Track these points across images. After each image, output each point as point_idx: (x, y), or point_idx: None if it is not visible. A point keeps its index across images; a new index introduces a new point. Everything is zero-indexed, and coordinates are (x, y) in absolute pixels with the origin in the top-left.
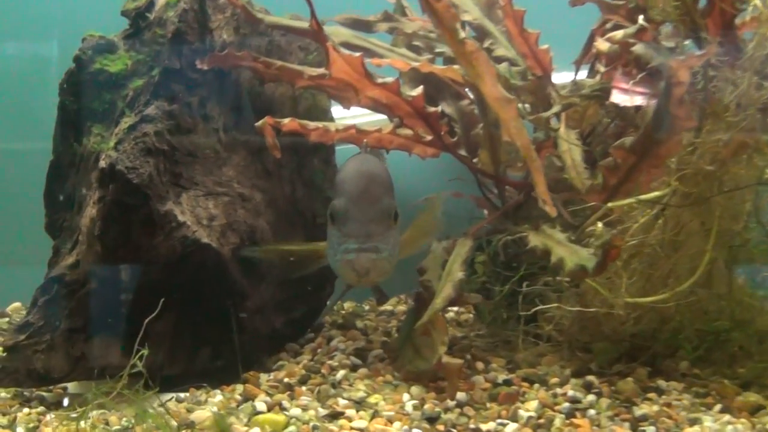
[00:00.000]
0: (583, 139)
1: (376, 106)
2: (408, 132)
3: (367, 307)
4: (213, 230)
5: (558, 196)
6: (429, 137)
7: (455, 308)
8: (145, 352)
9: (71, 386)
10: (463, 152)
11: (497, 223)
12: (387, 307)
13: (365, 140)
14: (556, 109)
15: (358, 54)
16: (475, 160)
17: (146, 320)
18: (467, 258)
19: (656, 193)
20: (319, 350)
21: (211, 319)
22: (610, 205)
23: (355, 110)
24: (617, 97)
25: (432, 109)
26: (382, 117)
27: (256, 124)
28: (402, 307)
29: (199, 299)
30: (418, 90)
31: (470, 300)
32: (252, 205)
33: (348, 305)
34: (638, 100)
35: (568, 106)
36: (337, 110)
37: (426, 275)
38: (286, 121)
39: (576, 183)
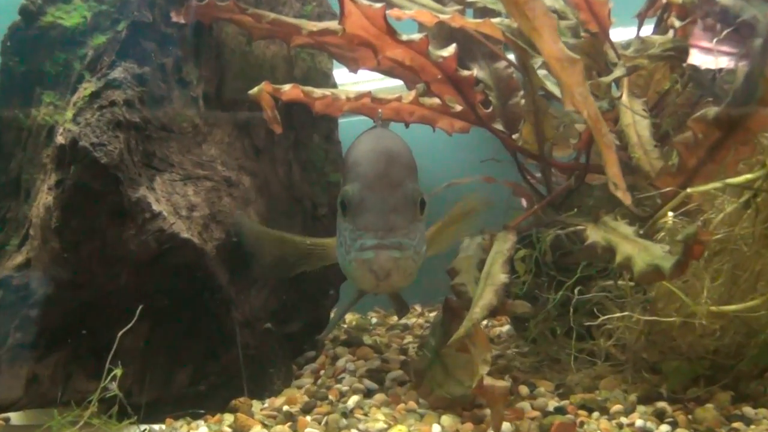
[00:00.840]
0: (650, 111)
1: (395, 69)
2: (434, 101)
3: (374, 320)
4: (193, 222)
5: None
6: (459, 108)
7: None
8: (118, 371)
9: (15, 417)
10: (499, 126)
11: (543, 214)
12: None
13: (380, 111)
14: (618, 72)
15: (379, 4)
16: (514, 137)
17: (114, 334)
18: (510, 257)
19: (746, 177)
20: (322, 372)
21: (192, 333)
22: (688, 191)
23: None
24: (697, 58)
25: (466, 72)
26: (394, 83)
27: (250, 92)
28: (419, 320)
29: (176, 308)
30: (451, 49)
31: (516, 309)
32: (239, 192)
33: (349, 318)
34: (724, 62)
35: (633, 69)
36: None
37: (459, 278)
38: (286, 88)
39: (643, 164)
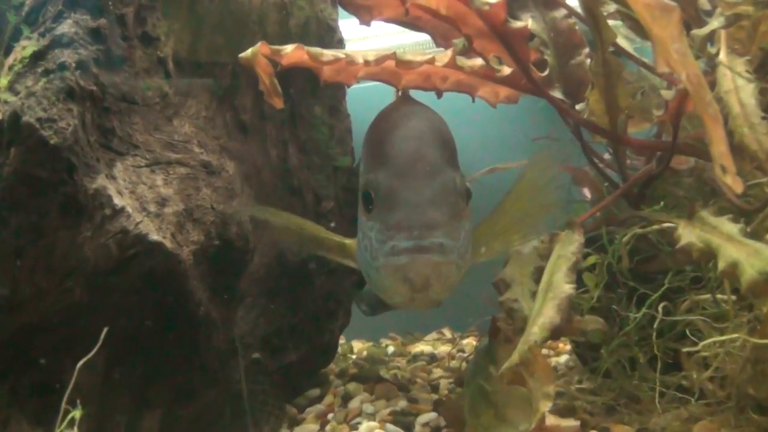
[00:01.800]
0: (756, 72)
1: (420, 20)
2: (474, 63)
3: (390, 348)
4: (165, 221)
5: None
6: (507, 70)
7: None
8: (77, 413)
9: None
10: (557, 94)
11: (615, 208)
12: (422, 346)
13: (405, 79)
14: (715, 23)
15: None
16: (577, 107)
17: (64, 366)
18: (575, 262)
19: None
20: (330, 415)
21: (163, 366)
22: None
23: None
24: None
25: (518, 24)
26: (413, 39)
27: (242, 56)
28: (449, 348)
29: (144, 332)
30: None
31: (587, 326)
32: (222, 181)
33: (359, 345)
34: None
35: (733, 19)
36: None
37: (510, 292)
38: (288, 49)
39: (748, 142)
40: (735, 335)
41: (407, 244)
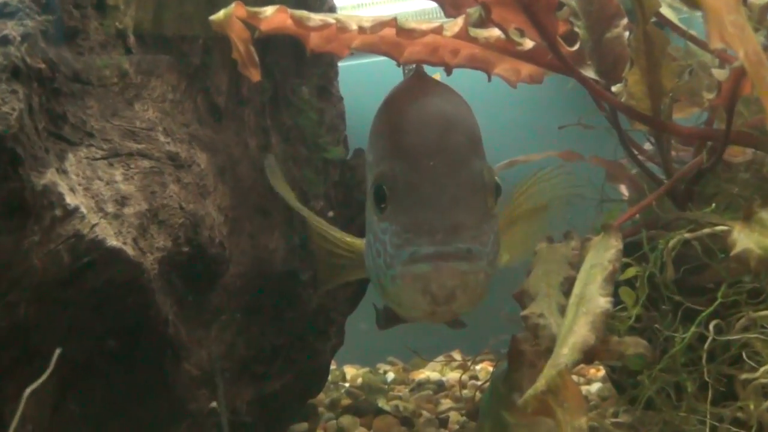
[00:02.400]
0: None
1: None
2: (491, 34)
3: (389, 375)
4: (125, 223)
5: None
6: (530, 44)
7: None
8: None
9: None
10: (590, 73)
11: (659, 209)
12: (427, 373)
13: (407, 51)
14: None
15: None
16: (613, 89)
17: (6, 394)
18: (612, 272)
19: None
20: None
21: (123, 396)
22: None
23: None
24: None
25: None
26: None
27: (213, 17)
28: (459, 375)
29: (100, 355)
30: None
31: (627, 349)
32: (192, 176)
33: (353, 371)
34: None
35: None
36: None
37: (534, 306)
38: (268, 11)
39: None
40: None
41: (429, 250)
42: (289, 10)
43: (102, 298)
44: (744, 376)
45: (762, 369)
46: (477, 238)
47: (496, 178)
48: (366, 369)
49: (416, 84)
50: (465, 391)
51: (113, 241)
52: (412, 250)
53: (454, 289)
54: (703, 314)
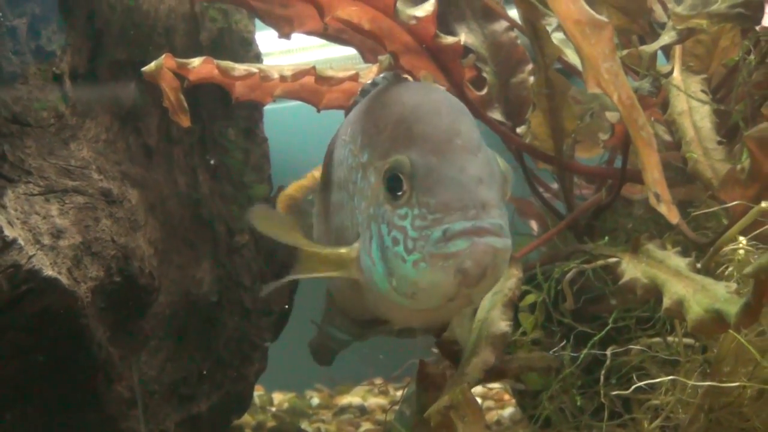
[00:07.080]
0: (713, 93)
1: (345, 34)
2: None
3: (314, 400)
4: (60, 255)
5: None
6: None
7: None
8: None
9: None
10: (497, 115)
11: (560, 241)
12: (350, 398)
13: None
14: (667, 38)
15: None
16: (519, 130)
17: None
18: (512, 299)
19: None
20: None
21: (57, 419)
22: (763, 205)
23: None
24: None
25: (449, 39)
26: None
27: (144, 69)
28: (381, 400)
29: (35, 380)
30: (428, 7)
31: (535, 363)
32: (124, 212)
33: (280, 397)
34: None
35: (688, 33)
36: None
37: (448, 332)
38: (196, 62)
39: (702, 169)
40: (685, 380)
41: (465, 225)
42: (215, 61)
43: (38, 323)
44: (636, 395)
45: (647, 387)
46: (503, 217)
47: (507, 166)
48: (293, 394)
49: (402, 82)
50: (384, 415)
51: (49, 271)
52: (444, 227)
53: (486, 267)
54: (596, 338)
